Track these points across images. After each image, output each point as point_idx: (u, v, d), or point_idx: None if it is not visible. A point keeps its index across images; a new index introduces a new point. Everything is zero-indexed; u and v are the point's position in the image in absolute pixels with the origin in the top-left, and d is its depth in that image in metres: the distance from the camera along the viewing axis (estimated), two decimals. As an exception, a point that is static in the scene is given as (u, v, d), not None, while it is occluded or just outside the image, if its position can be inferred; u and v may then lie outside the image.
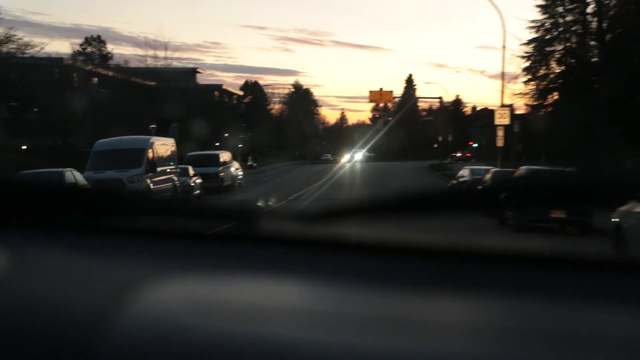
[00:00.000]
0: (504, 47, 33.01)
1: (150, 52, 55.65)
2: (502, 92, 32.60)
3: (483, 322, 0.88)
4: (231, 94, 73.83)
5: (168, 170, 25.94)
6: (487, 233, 14.21)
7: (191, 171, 29.35)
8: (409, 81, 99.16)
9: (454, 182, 26.70)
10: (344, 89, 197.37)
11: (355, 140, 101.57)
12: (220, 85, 66.02)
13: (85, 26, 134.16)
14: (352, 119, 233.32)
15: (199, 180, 29.83)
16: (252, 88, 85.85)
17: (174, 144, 27.36)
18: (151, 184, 23.54)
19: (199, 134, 58.66)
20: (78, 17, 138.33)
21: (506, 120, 32.16)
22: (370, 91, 57.12)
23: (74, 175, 19.35)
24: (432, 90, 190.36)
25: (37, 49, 40.54)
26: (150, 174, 23.95)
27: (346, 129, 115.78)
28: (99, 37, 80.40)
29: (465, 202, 1.21)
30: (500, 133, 32.35)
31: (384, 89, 57.41)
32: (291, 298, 1.00)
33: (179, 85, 56.12)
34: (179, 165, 30.44)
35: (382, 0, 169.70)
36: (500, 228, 16.02)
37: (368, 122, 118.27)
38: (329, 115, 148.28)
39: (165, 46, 56.12)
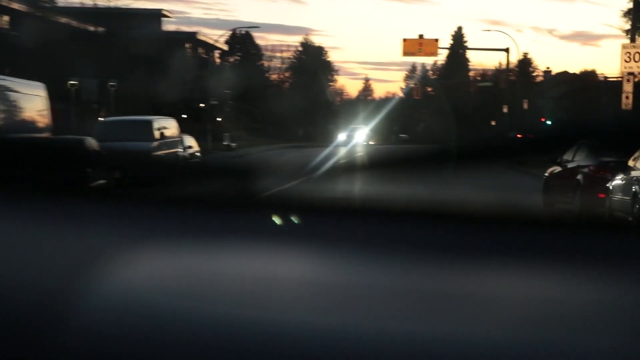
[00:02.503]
0: None
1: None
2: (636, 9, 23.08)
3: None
4: (211, 47, 64.57)
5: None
6: None
7: (91, 144, 20.21)
8: (458, 36, 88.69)
9: (556, 169, 17.84)
10: (369, 53, 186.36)
11: (385, 117, 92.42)
12: (194, 35, 56.76)
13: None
14: (379, 90, 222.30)
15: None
16: (243, 43, 76.43)
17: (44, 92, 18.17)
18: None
19: (153, 97, 49.70)
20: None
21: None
22: (405, 40, 47.62)
23: None
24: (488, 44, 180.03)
25: None
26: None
27: (371, 103, 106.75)
28: None
29: None
30: (628, 88, 22.81)
31: (424, 37, 47.84)
32: (298, 271, 1.07)
33: (128, 32, 47.17)
34: (76, 136, 21.45)
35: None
36: None
37: (400, 94, 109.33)
38: (349, 86, 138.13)
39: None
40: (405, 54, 47.61)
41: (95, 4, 48.83)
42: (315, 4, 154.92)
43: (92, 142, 20.90)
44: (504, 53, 51.20)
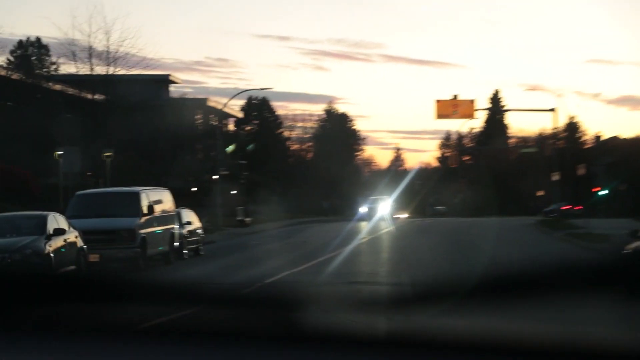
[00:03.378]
0: None
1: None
2: None
3: None
4: (224, 115, 62.44)
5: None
6: None
7: (55, 223, 17.49)
8: (495, 100, 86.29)
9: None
10: (399, 121, 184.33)
11: (415, 189, 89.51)
12: (204, 101, 54.62)
13: (48, 38, 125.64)
14: (411, 160, 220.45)
15: (80, 244, 18.20)
16: (260, 110, 74.16)
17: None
18: None
19: (155, 167, 47.43)
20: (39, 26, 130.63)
21: None
22: (439, 101, 45.16)
23: None
24: (529, 116, 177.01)
25: None
26: None
27: (402, 174, 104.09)
28: (38, 40, 71.54)
29: None
30: None
31: (459, 98, 45.43)
32: None
33: (128, 99, 45.41)
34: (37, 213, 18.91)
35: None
36: None
37: (434, 163, 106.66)
38: (379, 156, 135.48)
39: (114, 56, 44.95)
40: (439, 116, 44.96)
41: (91, 71, 47.08)
42: (340, 71, 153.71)
43: (58, 219, 18.16)
44: (547, 118, 48.37)
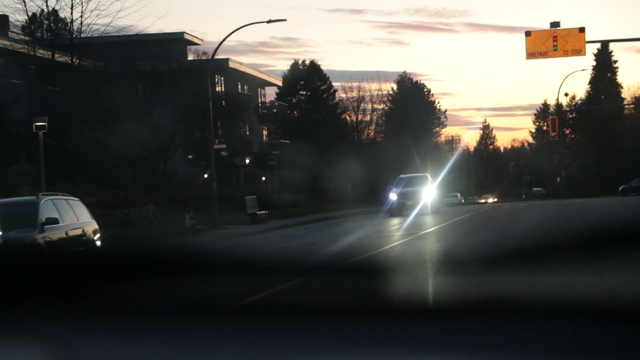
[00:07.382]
0: None
1: None
2: None
3: None
4: (259, 83, 50.65)
5: None
6: None
7: None
8: (603, 56, 71.34)
9: None
10: (488, 97, 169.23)
11: (508, 170, 76.74)
12: (225, 62, 42.86)
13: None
14: (503, 140, 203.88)
15: None
16: (308, 77, 61.72)
17: None
18: None
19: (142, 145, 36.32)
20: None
21: None
22: (530, 33, 32.57)
23: None
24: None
25: None
26: None
27: (492, 156, 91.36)
28: (55, 12, 62.20)
29: None
30: None
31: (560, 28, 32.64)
32: None
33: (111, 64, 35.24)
34: None
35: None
36: None
37: (530, 140, 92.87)
38: (467, 136, 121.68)
39: None
40: (531, 55, 32.16)
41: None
42: (420, 45, 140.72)
43: None
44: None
